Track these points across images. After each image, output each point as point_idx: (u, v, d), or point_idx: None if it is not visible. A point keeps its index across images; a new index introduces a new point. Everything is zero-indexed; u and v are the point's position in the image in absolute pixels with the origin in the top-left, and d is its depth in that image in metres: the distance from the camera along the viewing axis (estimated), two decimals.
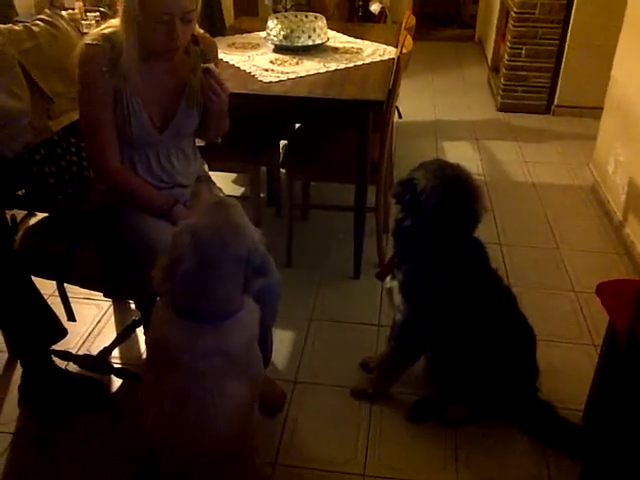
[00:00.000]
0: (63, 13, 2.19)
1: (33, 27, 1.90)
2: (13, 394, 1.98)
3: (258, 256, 1.31)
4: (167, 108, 1.76)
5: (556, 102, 4.30)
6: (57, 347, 1.96)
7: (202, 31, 1.80)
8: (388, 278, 1.91)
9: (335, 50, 2.78)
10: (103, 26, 1.69)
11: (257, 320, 1.44)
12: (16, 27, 1.87)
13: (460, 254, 1.77)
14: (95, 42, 1.63)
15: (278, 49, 2.75)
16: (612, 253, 2.81)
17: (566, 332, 2.31)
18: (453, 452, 1.84)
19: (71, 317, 1.85)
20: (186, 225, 1.31)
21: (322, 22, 2.80)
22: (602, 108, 3.36)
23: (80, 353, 2.14)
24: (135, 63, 1.65)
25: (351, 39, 2.96)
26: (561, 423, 1.86)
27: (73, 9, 3.12)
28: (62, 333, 1.90)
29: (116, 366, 2.12)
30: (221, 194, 1.73)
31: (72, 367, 2.07)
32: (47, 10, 2.06)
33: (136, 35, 1.62)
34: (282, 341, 2.22)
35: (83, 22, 3.02)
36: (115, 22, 1.65)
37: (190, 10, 1.60)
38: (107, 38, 1.64)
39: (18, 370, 1.98)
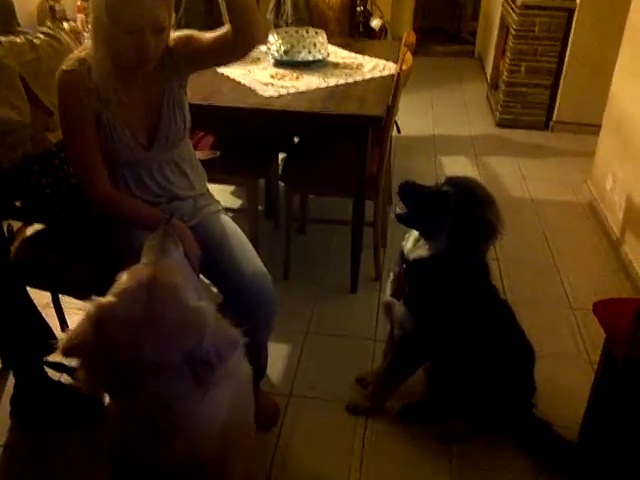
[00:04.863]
0: (64, 25, 2.21)
1: (34, 40, 1.92)
2: (4, 406, 1.96)
3: (207, 345, 1.02)
4: (149, 123, 1.73)
5: (555, 118, 4.32)
6: (50, 359, 1.95)
7: (176, 34, 1.72)
8: (388, 291, 1.91)
9: (335, 65, 2.80)
10: (80, 48, 1.67)
11: (235, 398, 1.20)
12: (17, 39, 1.89)
13: (470, 269, 1.78)
14: (71, 68, 1.61)
15: (278, 64, 2.76)
16: (610, 271, 2.81)
17: (563, 349, 2.31)
18: (447, 467, 1.83)
19: (65, 328, 1.85)
20: (94, 309, 1.03)
21: (323, 37, 2.82)
22: (600, 125, 3.38)
23: (74, 365, 2.12)
24: (108, 79, 1.62)
25: (351, 54, 2.97)
26: (556, 441, 1.85)
27: (75, 21, 3.14)
28: (56, 344, 1.89)
29: None
30: (178, 253, 1.26)
31: (66, 379, 2.05)
32: (49, 23, 2.08)
33: (106, 49, 1.58)
34: (277, 354, 2.21)
35: (85, 34, 3.04)
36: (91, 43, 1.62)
37: (161, 21, 1.55)
38: (83, 61, 1.62)
39: (10, 381, 1.97)
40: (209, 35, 1.71)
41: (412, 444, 1.91)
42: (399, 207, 1.80)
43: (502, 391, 1.85)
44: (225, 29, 1.66)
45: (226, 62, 1.91)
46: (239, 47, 1.72)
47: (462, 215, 1.69)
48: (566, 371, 2.19)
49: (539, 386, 1.93)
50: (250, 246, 1.82)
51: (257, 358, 1.82)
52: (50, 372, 2.00)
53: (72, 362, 1.07)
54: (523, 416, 1.90)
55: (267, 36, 1.65)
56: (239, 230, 1.87)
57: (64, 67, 1.62)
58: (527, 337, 1.89)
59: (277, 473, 1.80)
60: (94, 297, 1.05)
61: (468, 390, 1.86)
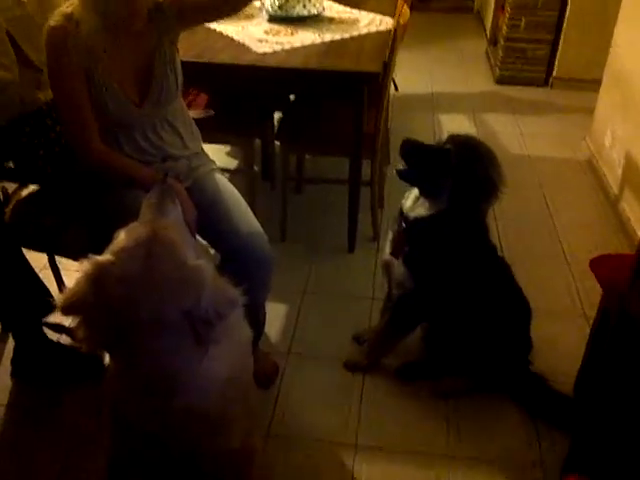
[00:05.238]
0: None
1: None
2: (5, 367, 1.98)
3: (205, 303, 1.02)
4: (141, 80, 1.70)
5: (554, 74, 4.25)
6: (49, 320, 1.96)
7: None
8: (387, 250, 1.91)
9: (331, 20, 2.73)
10: (67, 3, 1.62)
11: (235, 357, 1.20)
12: None
13: (470, 227, 1.77)
14: (59, 24, 1.57)
15: (272, 19, 2.70)
16: (607, 227, 2.80)
17: (559, 305, 2.32)
18: (444, 422, 1.86)
19: (63, 289, 1.85)
20: (92, 267, 1.02)
21: None
22: (601, 81, 3.32)
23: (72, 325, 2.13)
24: (97, 35, 1.59)
25: (347, 9, 2.90)
26: (552, 395, 1.88)
27: None
28: (54, 306, 1.90)
29: None
30: (176, 212, 1.25)
31: (65, 339, 2.06)
32: None
33: (92, 3, 1.55)
34: (276, 314, 2.22)
35: None
36: None
37: None
38: (70, 17, 1.58)
39: (11, 343, 1.99)
40: None
41: (409, 400, 1.93)
42: (401, 164, 1.78)
43: (499, 348, 1.86)
44: None
45: (218, 18, 1.88)
46: (232, 2, 1.69)
47: (464, 173, 1.68)
48: (562, 327, 2.21)
49: (535, 342, 1.94)
50: (246, 206, 1.81)
51: (255, 318, 1.83)
52: (49, 333, 2.01)
53: (71, 322, 1.07)
54: (520, 372, 1.92)
55: None
56: (234, 190, 1.85)
57: (51, 23, 1.58)
58: (524, 294, 1.90)
59: (276, 429, 1.83)
60: (91, 256, 1.04)
61: (466, 347, 1.87)
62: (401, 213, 1.84)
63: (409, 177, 1.78)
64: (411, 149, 1.77)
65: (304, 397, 1.94)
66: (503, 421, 1.87)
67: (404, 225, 1.82)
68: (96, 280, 1.01)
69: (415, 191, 1.82)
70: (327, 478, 1.71)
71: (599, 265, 1.79)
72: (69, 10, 1.59)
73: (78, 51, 1.58)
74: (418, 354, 2.03)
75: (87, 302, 1.01)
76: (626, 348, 1.39)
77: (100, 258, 1.04)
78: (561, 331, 2.19)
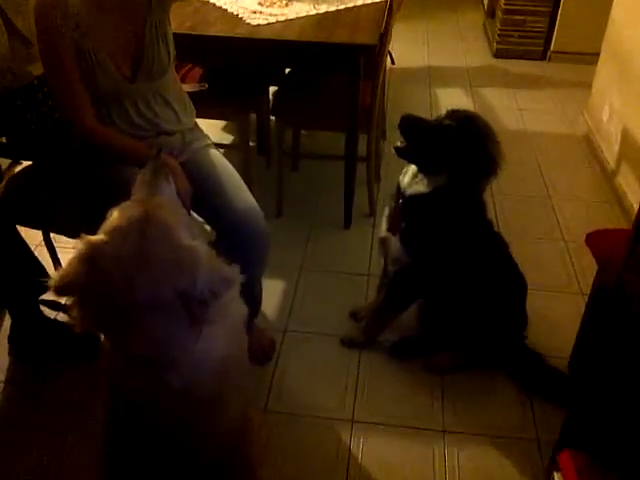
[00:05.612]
0: None
1: None
2: (3, 344, 1.98)
3: (200, 284, 1.01)
4: (133, 53, 1.67)
5: (552, 48, 4.20)
6: (46, 297, 1.96)
7: None
8: (383, 226, 1.90)
9: None
10: None
11: (230, 335, 1.19)
12: None
13: (467, 205, 1.77)
14: None
15: None
16: (603, 202, 2.80)
17: (555, 280, 2.33)
18: (440, 398, 1.88)
19: (58, 267, 1.84)
20: (85, 247, 1.01)
21: None
22: (599, 54, 3.29)
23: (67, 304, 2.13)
24: (87, 6, 1.55)
25: None
26: (547, 370, 1.89)
27: None
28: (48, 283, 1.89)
29: None
30: (170, 189, 1.22)
31: (62, 317, 2.06)
32: None
33: None
34: (272, 290, 2.22)
35: None
36: None
37: None
38: None
39: (8, 320, 1.98)
40: None
41: (405, 376, 1.95)
42: (399, 141, 1.76)
43: (495, 323, 1.87)
44: None
45: None
46: None
47: (464, 149, 1.66)
48: (558, 303, 2.21)
49: (531, 318, 1.95)
50: (241, 181, 1.79)
51: (251, 294, 1.83)
52: (46, 310, 2.01)
53: (66, 300, 1.06)
54: (515, 347, 1.93)
55: None
56: (229, 165, 1.84)
57: None
58: (520, 270, 1.90)
59: (273, 405, 1.84)
60: (85, 235, 1.03)
61: (462, 323, 1.88)
62: (398, 189, 1.82)
63: (408, 154, 1.77)
64: (411, 125, 1.75)
65: (301, 373, 1.95)
66: (498, 396, 1.89)
67: (401, 202, 1.80)
68: (89, 260, 0.99)
69: (413, 167, 1.80)
70: (324, 453, 1.72)
71: (595, 240, 1.79)
72: None
73: (67, 25, 1.54)
74: (413, 330, 2.04)
75: (80, 282, 0.99)
76: (621, 324, 1.39)
77: (93, 238, 1.02)
78: (557, 306, 2.19)
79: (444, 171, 1.70)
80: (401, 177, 1.83)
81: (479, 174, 1.71)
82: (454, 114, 1.73)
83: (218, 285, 1.03)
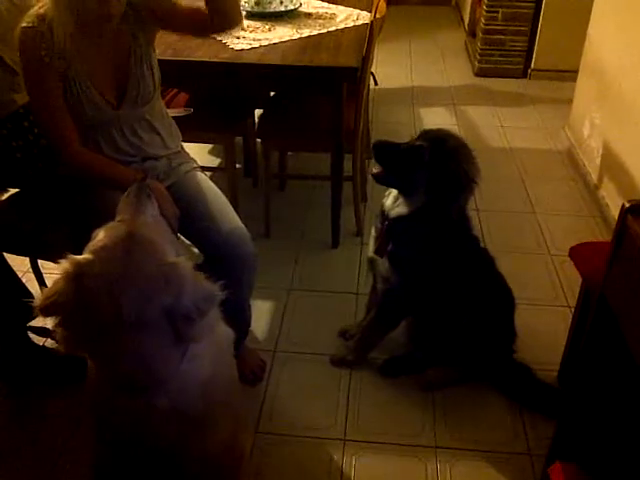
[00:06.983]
0: None
1: None
2: None
3: (186, 299, 1.01)
4: (117, 81, 1.68)
5: (533, 66, 4.28)
6: (34, 324, 1.95)
7: None
8: (371, 247, 1.91)
9: (308, 16, 2.73)
10: (40, 4, 1.59)
11: (215, 356, 1.19)
12: None
13: (451, 222, 1.78)
14: (31, 24, 1.55)
15: (250, 15, 2.68)
16: (587, 216, 2.84)
17: (541, 294, 2.35)
18: (431, 414, 1.88)
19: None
20: (70, 267, 1.01)
21: None
22: (578, 71, 3.35)
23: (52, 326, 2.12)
24: (71, 37, 1.56)
25: (324, 4, 2.89)
26: (536, 384, 1.90)
27: None
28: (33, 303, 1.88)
29: None
30: (154, 209, 1.24)
31: (50, 343, 2.05)
32: None
33: (66, 3, 1.52)
34: (261, 311, 2.23)
35: None
36: None
37: None
38: (43, 17, 1.55)
39: None
40: (183, 4, 1.66)
41: (396, 393, 1.95)
42: (375, 167, 1.78)
43: (484, 338, 1.88)
44: (202, 4, 1.64)
45: (194, 35, 1.86)
46: (215, 28, 1.73)
47: (437, 168, 1.68)
48: (545, 315, 2.23)
49: (519, 332, 1.96)
50: (227, 203, 1.81)
51: (240, 316, 1.83)
52: (34, 337, 2.00)
53: (52, 321, 1.06)
54: (504, 361, 1.94)
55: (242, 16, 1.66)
56: (215, 187, 1.85)
57: (24, 24, 1.56)
58: (507, 284, 1.92)
59: (264, 425, 1.83)
60: (70, 255, 1.04)
61: (451, 339, 1.89)
62: (382, 212, 1.84)
63: (386, 179, 1.79)
64: (384, 150, 1.77)
65: (292, 393, 1.94)
66: (489, 411, 1.89)
67: (386, 224, 1.82)
68: (75, 279, 0.99)
69: (395, 190, 1.82)
70: (316, 473, 1.71)
71: (578, 253, 1.81)
72: (42, 11, 1.56)
73: (51, 52, 1.56)
74: (401, 349, 2.04)
75: (66, 302, 0.99)
76: (606, 337, 1.40)
77: (78, 257, 1.03)
78: (544, 319, 2.21)
79: (421, 191, 1.71)
80: (384, 200, 1.85)
81: (455, 192, 1.73)
82: (427, 134, 1.75)
83: (203, 302, 1.04)
